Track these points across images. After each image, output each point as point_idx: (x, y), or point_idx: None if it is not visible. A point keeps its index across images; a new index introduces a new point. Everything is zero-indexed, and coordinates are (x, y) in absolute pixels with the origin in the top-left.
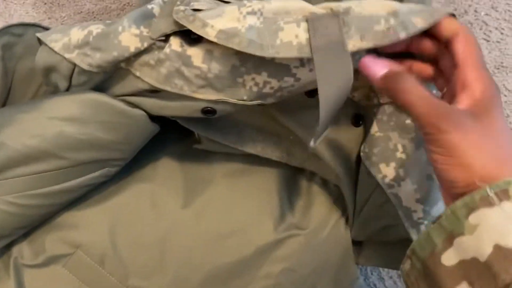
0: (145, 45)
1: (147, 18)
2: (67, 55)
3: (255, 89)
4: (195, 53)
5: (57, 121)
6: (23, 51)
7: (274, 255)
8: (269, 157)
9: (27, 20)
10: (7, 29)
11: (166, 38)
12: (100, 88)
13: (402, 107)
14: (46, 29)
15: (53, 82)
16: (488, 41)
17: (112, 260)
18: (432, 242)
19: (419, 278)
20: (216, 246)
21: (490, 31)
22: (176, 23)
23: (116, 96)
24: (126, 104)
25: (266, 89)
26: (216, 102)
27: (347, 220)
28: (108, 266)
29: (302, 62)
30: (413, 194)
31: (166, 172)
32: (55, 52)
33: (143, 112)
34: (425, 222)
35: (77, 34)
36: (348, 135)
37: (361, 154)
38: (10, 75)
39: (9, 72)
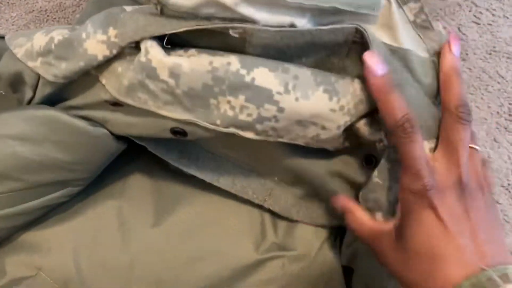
0: (114, 52)
1: (115, 20)
2: (30, 63)
3: (230, 113)
4: (161, 65)
5: (9, 140)
6: None
7: (254, 278)
8: (249, 199)
9: None
10: None
11: (136, 44)
12: (62, 97)
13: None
14: None
15: (21, 91)
16: (478, 24)
17: (76, 284)
18: None
19: None
20: (188, 270)
21: (481, 12)
22: (147, 27)
23: (77, 106)
24: (86, 123)
25: (243, 116)
26: (185, 123)
27: (335, 240)
28: None
29: (287, 88)
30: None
31: (136, 188)
32: (19, 59)
33: (105, 131)
34: None
35: (40, 39)
36: (362, 175)
37: (359, 194)
38: None
39: None
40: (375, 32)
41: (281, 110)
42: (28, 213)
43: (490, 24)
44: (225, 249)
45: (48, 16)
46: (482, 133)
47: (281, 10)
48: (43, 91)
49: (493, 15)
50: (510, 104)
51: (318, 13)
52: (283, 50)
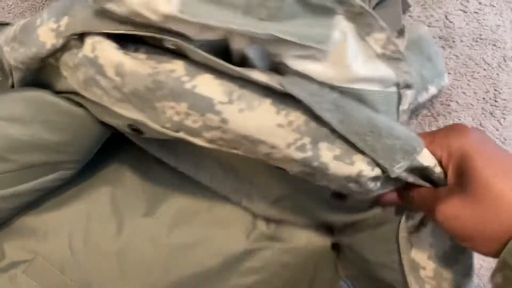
0: (60, 42)
1: (69, 9)
2: (4, 48)
3: (176, 118)
4: (107, 63)
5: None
6: None
7: (244, 266)
8: (226, 196)
9: None
10: None
11: (80, 37)
12: (41, 84)
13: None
14: None
15: (6, 76)
16: (465, 12)
17: (72, 267)
18: None
19: None
20: (180, 257)
21: (468, 1)
22: (91, 21)
23: (60, 93)
24: (69, 103)
25: (189, 122)
26: (137, 122)
27: (324, 229)
28: (68, 273)
29: (231, 98)
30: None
31: (129, 175)
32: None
33: (84, 112)
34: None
35: (15, 26)
36: None
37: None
38: None
39: None
40: (328, 71)
41: (224, 121)
42: (21, 196)
43: (476, 12)
44: (216, 237)
45: (43, 4)
46: (468, 118)
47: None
48: (14, 76)
49: (480, 3)
50: (495, 90)
51: (258, 40)
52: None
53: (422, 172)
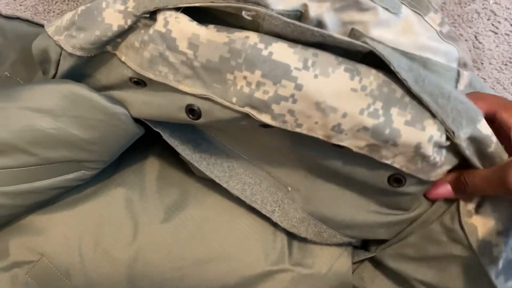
0: (129, 22)
1: None
2: (56, 37)
3: (246, 90)
4: (181, 36)
5: (28, 112)
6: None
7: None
8: (257, 208)
9: None
10: None
11: (151, 15)
12: (85, 77)
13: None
14: (27, 21)
15: (48, 70)
16: (496, 33)
17: (79, 273)
18: None
19: None
20: (194, 272)
21: (499, 22)
22: None
23: (101, 87)
24: (107, 100)
25: (259, 93)
26: (202, 98)
27: (349, 250)
28: (74, 279)
29: (306, 64)
30: (495, 225)
31: (148, 180)
32: (49, 35)
33: (124, 110)
34: (505, 254)
35: (68, 15)
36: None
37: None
38: None
39: None
40: (398, 38)
41: (299, 87)
42: (38, 193)
43: (507, 34)
44: (234, 255)
45: None
46: None
47: None
48: (63, 65)
49: None
50: None
51: (337, 6)
52: (295, 40)
53: (479, 145)
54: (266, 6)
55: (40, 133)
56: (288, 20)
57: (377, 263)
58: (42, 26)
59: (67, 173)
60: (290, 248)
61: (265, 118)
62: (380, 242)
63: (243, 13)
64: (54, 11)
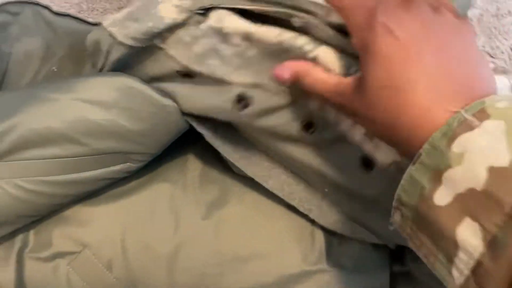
0: (183, 16)
1: None
2: (110, 28)
3: None
4: (235, 31)
5: (80, 103)
6: (19, 32)
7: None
8: (295, 206)
9: None
10: (3, 6)
11: (205, 12)
12: (132, 69)
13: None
14: (45, 7)
15: (97, 61)
16: None
17: (121, 265)
18: (418, 184)
19: (414, 227)
20: (233, 269)
21: None
22: None
23: (148, 79)
24: (158, 93)
25: None
26: (253, 86)
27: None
28: (116, 270)
29: (349, 69)
30: None
31: (191, 176)
32: (104, 27)
33: (174, 104)
34: None
35: (125, 9)
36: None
37: None
38: (5, 59)
39: (4, 55)
40: None
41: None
42: (84, 183)
43: None
44: (273, 254)
45: None
46: None
47: None
48: (112, 56)
49: None
50: None
51: None
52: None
53: None
54: (315, 15)
55: (91, 124)
56: (334, 33)
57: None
58: (90, 23)
59: (114, 164)
60: (328, 248)
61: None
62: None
63: (293, 19)
64: (98, 9)
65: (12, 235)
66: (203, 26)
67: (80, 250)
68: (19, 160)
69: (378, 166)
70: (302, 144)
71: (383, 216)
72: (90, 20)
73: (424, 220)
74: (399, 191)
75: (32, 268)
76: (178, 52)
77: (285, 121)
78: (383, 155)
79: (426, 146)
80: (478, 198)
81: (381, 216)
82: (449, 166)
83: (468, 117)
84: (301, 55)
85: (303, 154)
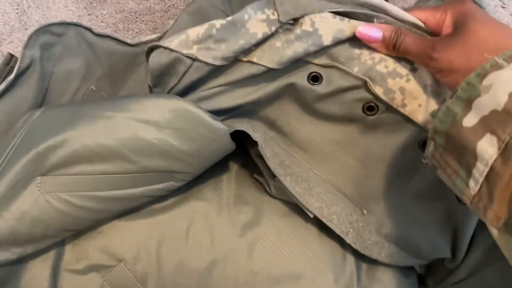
0: (273, 29)
1: (269, 2)
2: (185, 51)
3: (369, 63)
4: (327, 32)
5: (134, 122)
6: (61, 52)
7: None
8: (332, 228)
9: (66, 14)
10: (47, 27)
11: (294, 20)
12: (204, 84)
13: (402, 55)
14: (88, 29)
15: (164, 82)
16: None
17: (155, 281)
18: (452, 113)
19: (444, 153)
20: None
21: None
22: (307, 6)
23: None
24: (211, 117)
25: (380, 66)
26: (327, 67)
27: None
28: (150, 286)
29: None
30: None
31: (226, 196)
32: (171, 49)
33: (225, 127)
34: None
35: (195, 30)
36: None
37: None
38: (47, 78)
39: (46, 75)
40: None
41: (414, 69)
42: (129, 200)
43: None
44: (306, 276)
45: (137, 18)
46: None
47: None
48: (191, 76)
49: None
50: None
51: None
52: None
53: None
54: (396, 18)
55: (143, 142)
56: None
57: None
58: (129, 45)
59: (158, 182)
60: (359, 272)
61: (378, 91)
62: (436, 278)
63: (376, 19)
64: (133, 29)
65: (49, 247)
66: (298, 30)
67: (116, 264)
68: (67, 175)
69: None
70: (362, 125)
71: (428, 226)
72: (128, 41)
73: (453, 142)
74: (435, 121)
75: (67, 280)
76: (263, 58)
77: (350, 100)
78: None
79: (462, 83)
80: (498, 116)
81: (426, 227)
82: (478, 95)
83: (499, 61)
84: None
85: (361, 135)
